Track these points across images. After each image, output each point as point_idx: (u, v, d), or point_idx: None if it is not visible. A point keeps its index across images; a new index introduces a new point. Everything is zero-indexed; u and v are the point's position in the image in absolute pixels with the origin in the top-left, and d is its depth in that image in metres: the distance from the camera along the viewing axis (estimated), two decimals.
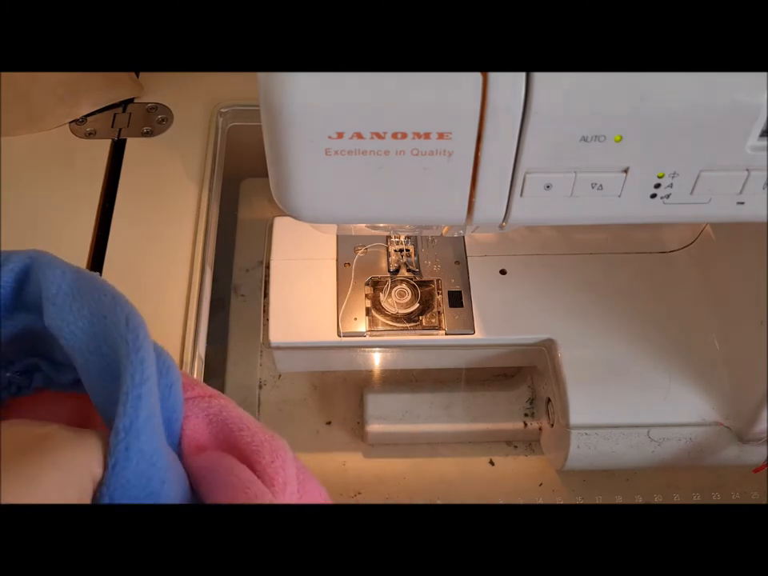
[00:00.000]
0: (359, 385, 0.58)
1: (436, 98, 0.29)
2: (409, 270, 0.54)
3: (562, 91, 0.29)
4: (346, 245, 0.55)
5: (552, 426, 0.53)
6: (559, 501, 0.54)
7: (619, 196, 0.33)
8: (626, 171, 0.32)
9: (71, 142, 0.55)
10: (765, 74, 0.29)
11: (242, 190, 0.66)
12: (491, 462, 0.56)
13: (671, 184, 0.32)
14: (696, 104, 0.30)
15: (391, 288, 0.53)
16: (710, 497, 0.53)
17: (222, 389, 0.58)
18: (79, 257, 0.49)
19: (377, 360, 0.56)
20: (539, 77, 0.29)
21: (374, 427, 0.55)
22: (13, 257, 0.33)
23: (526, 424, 0.56)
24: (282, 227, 0.56)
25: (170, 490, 0.31)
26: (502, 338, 0.52)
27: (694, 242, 0.55)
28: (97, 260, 0.49)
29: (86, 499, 0.29)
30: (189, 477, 0.33)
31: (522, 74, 0.29)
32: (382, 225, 0.44)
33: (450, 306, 0.53)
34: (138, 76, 0.59)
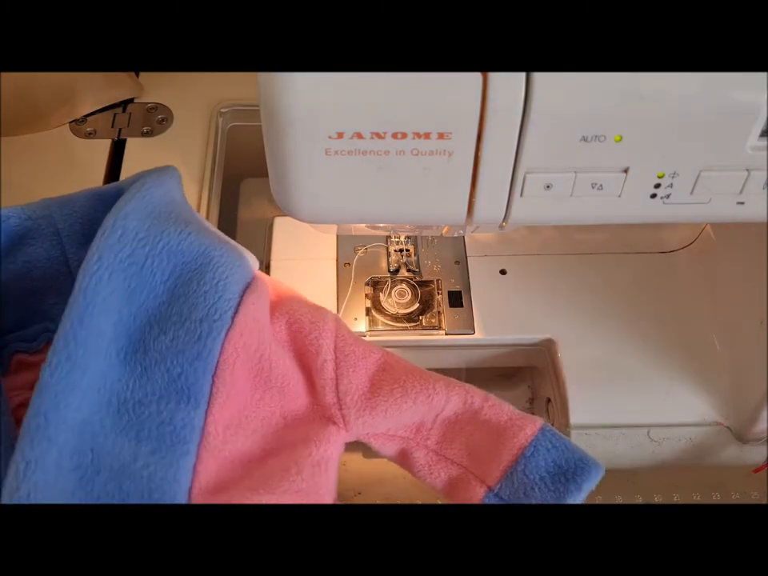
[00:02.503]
0: None
1: (436, 98, 0.29)
2: (409, 270, 0.54)
3: (562, 91, 0.29)
4: (346, 245, 0.55)
5: (552, 425, 0.53)
6: None
7: (619, 196, 0.33)
8: (626, 171, 0.32)
9: (71, 141, 0.55)
10: (765, 74, 0.29)
11: (242, 190, 0.65)
12: None
13: (671, 184, 0.32)
14: (696, 104, 0.30)
15: (391, 288, 0.53)
16: (710, 497, 0.53)
17: None
18: None
19: None
20: (539, 77, 0.29)
21: None
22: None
23: None
24: (282, 227, 0.56)
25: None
26: (502, 338, 0.52)
27: (694, 242, 0.55)
28: None
29: None
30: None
31: (522, 74, 0.29)
32: (382, 225, 0.44)
33: (450, 306, 0.53)
34: (138, 76, 0.59)
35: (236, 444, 0.36)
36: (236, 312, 0.35)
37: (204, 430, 0.34)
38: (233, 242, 0.40)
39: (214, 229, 0.40)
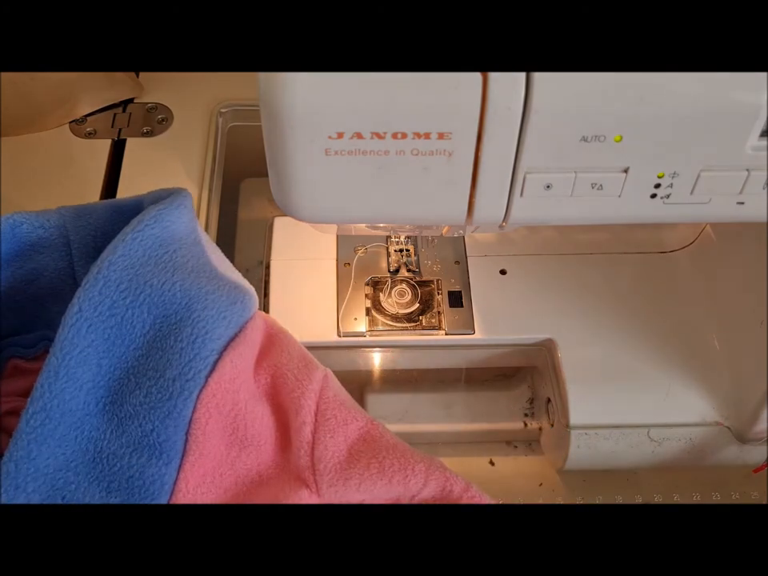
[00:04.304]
0: (359, 385, 0.58)
1: (436, 98, 0.29)
2: (409, 270, 0.54)
3: (562, 91, 0.29)
4: (346, 245, 0.55)
5: (552, 426, 0.53)
6: (559, 501, 0.54)
7: (619, 196, 0.33)
8: (626, 171, 0.32)
9: (71, 141, 0.55)
10: (765, 73, 0.29)
11: (242, 190, 0.65)
12: (491, 462, 0.56)
13: (671, 184, 0.32)
14: (696, 104, 0.30)
15: (391, 288, 0.53)
16: (709, 497, 0.53)
17: None
18: None
19: (377, 360, 0.56)
20: (539, 77, 0.29)
21: None
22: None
23: (525, 424, 0.56)
24: (282, 227, 0.56)
25: None
26: (502, 338, 0.52)
27: (694, 242, 0.55)
28: None
29: None
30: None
31: (522, 74, 0.29)
32: (382, 225, 0.44)
33: (450, 306, 0.53)
34: (138, 76, 0.59)
35: (205, 502, 0.35)
36: (213, 369, 0.35)
37: (174, 486, 0.34)
38: (236, 279, 0.39)
39: (218, 264, 0.38)
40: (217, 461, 0.36)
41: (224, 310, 0.35)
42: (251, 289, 0.39)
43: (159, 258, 0.35)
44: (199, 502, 0.34)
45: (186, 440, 0.34)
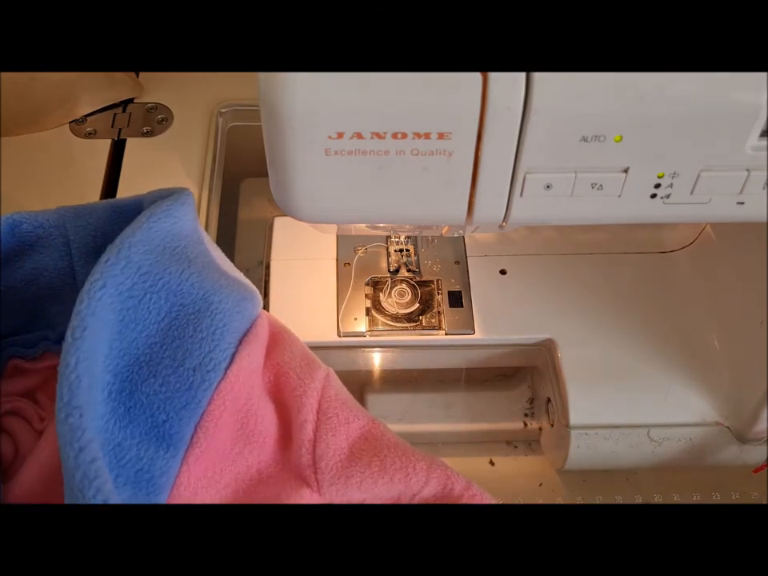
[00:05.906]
0: (359, 385, 0.58)
1: (436, 98, 0.29)
2: (409, 270, 0.54)
3: (562, 91, 0.29)
4: (346, 245, 0.55)
5: (552, 426, 0.53)
6: (559, 501, 0.54)
7: (619, 196, 0.33)
8: (626, 171, 0.32)
9: (71, 141, 0.55)
10: (765, 73, 0.29)
11: (242, 190, 0.66)
12: (491, 462, 0.56)
13: (671, 184, 0.32)
14: (696, 104, 0.30)
15: (391, 288, 0.53)
16: (709, 497, 0.53)
17: None
18: None
19: (377, 360, 0.56)
20: (539, 77, 0.29)
21: None
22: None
23: (525, 424, 0.56)
24: (282, 227, 0.56)
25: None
26: (502, 338, 0.52)
27: (694, 242, 0.55)
28: None
29: None
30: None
31: (522, 74, 0.29)
32: (381, 225, 0.44)
33: (450, 306, 0.53)
34: (138, 76, 0.59)
35: (205, 498, 0.35)
36: (230, 363, 0.34)
37: (176, 479, 0.33)
38: (240, 277, 0.39)
39: (221, 263, 0.38)
40: (220, 455, 0.35)
41: (237, 304, 0.35)
42: (255, 287, 0.39)
43: (173, 250, 0.35)
44: (199, 496, 0.34)
45: (195, 431, 0.34)
